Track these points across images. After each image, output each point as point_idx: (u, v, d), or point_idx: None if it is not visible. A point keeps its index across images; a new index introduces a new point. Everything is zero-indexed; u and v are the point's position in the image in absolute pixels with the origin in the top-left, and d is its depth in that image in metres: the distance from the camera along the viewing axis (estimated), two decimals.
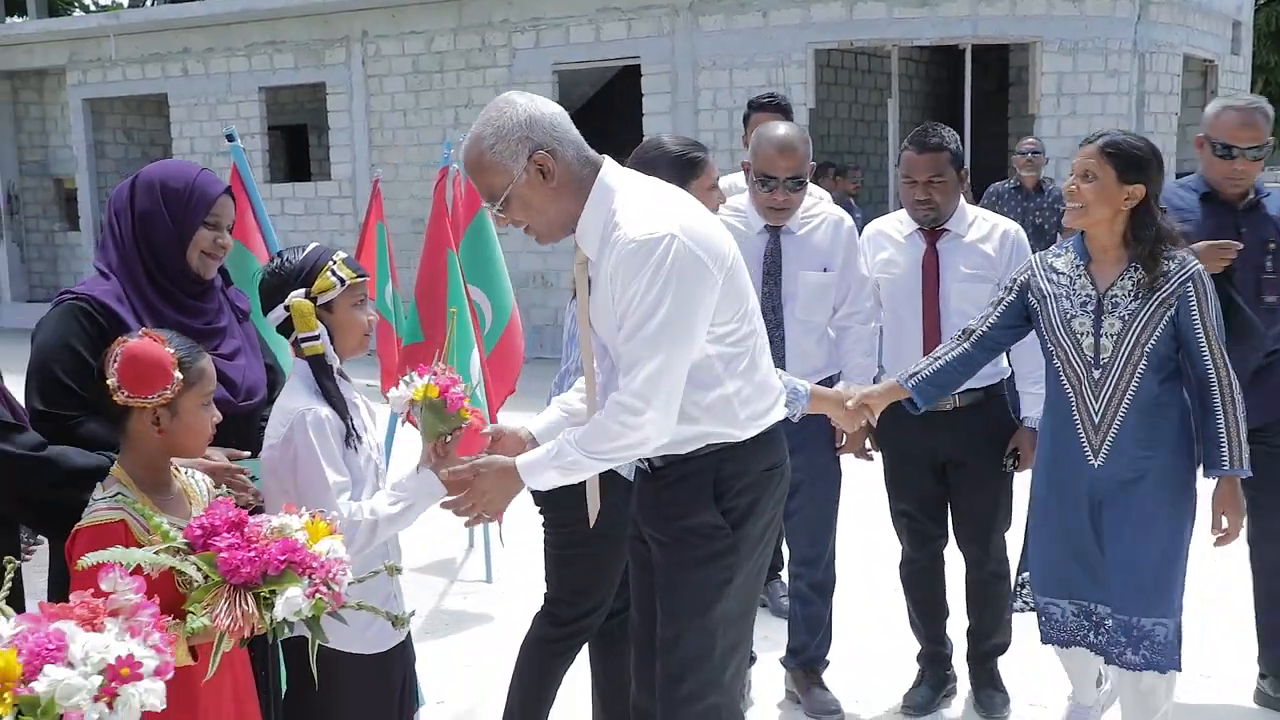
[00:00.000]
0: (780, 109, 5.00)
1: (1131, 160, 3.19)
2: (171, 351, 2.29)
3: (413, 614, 2.61)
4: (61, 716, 1.67)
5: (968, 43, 11.50)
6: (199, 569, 2.06)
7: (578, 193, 2.57)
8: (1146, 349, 3.20)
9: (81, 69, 16.04)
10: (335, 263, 2.65)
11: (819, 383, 3.83)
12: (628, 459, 2.62)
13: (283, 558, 2.08)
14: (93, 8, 26.21)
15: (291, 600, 2.06)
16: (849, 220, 3.98)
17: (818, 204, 4.00)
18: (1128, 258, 3.24)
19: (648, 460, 2.76)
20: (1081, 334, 3.27)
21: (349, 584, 2.17)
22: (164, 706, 1.78)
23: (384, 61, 13.85)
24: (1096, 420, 3.27)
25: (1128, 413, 3.24)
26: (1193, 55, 12.58)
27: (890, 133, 12.40)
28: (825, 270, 3.91)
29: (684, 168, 3.25)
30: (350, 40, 13.99)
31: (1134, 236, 3.22)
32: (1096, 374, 3.26)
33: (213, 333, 2.78)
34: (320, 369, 2.63)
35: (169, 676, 1.81)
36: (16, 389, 2.60)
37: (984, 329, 3.46)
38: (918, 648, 4.15)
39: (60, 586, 2.40)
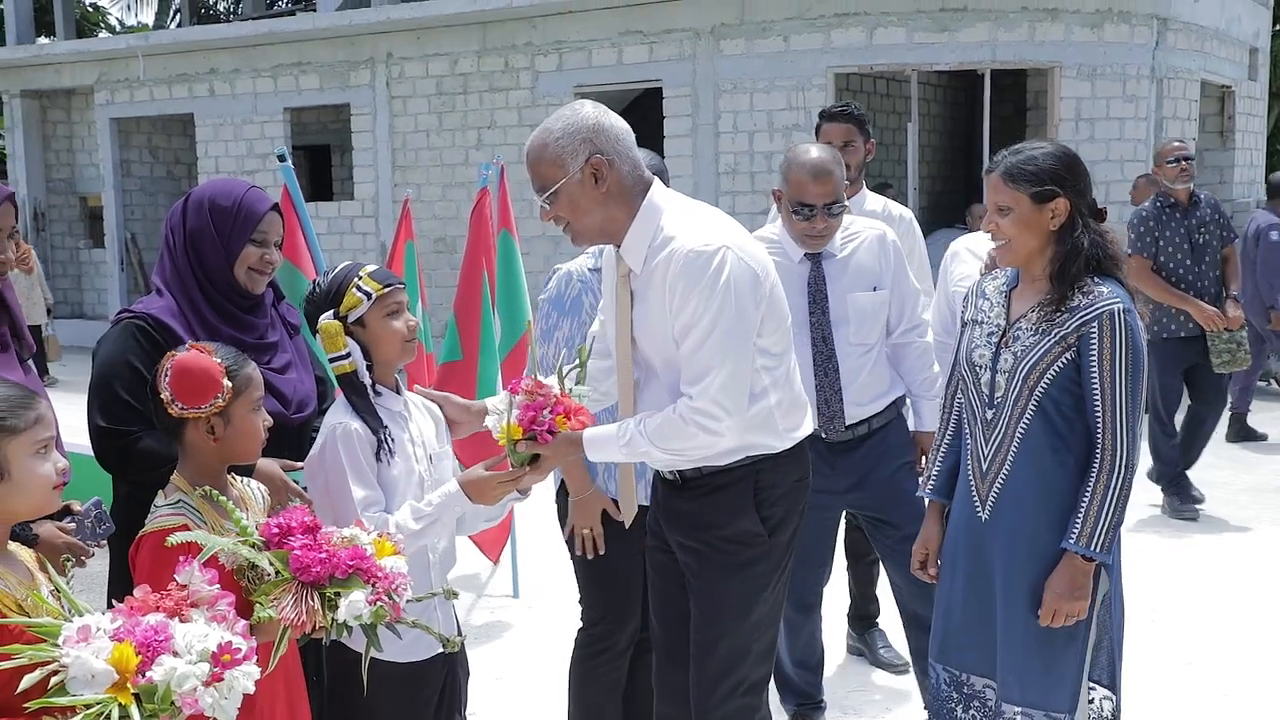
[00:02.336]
0: (854, 120, 4.59)
1: (1040, 176, 2.79)
2: (219, 361, 2.38)
3: (464, 639, 2.71)
4: (173, 702, 1.78)
5: (986, 68, 11.61)
6: (271, 564, 2.16)
7: (625, 205, 2.69)
8: (1036, 393, 2.79)
9: (109, 89, 16.26)
10: (361, 278, 2.68)
11: (885, 409, 3.80)
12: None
13: (351, 563, 2.18)
14: (119, 28, 26.51)
15: (354, 604, 2.15)
16: (891, 234, 3.82)
17: (854, 222, 3.83)
18: (1049, 286, 2.83)
19: (677, 471, 2.84)
20: (981, 367, 2.91)
21: (407, 600, 2.26)
22: (253, 690, 1.89)
23: (408, 83, 14.01)
24: (984, 467, 2.90)
25: (1014, 464, 2.83)
26: (1210, 81, 12.67)
27: (909, 156, 12.49)
28: (875, 290, 3.74)
29: None
30: (375, 62, 14.15)
31: (1053, 257, 2.82)
32: (989, 414, 2.88)
33: (265, 347, 2.87)
34: (350, 386, 2.67)
35: (254, 660, 1.92)
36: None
37: (958, 396, 3.08)
38: None
39: (122, 591, 2.50)
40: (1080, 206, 2.81)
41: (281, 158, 3.75)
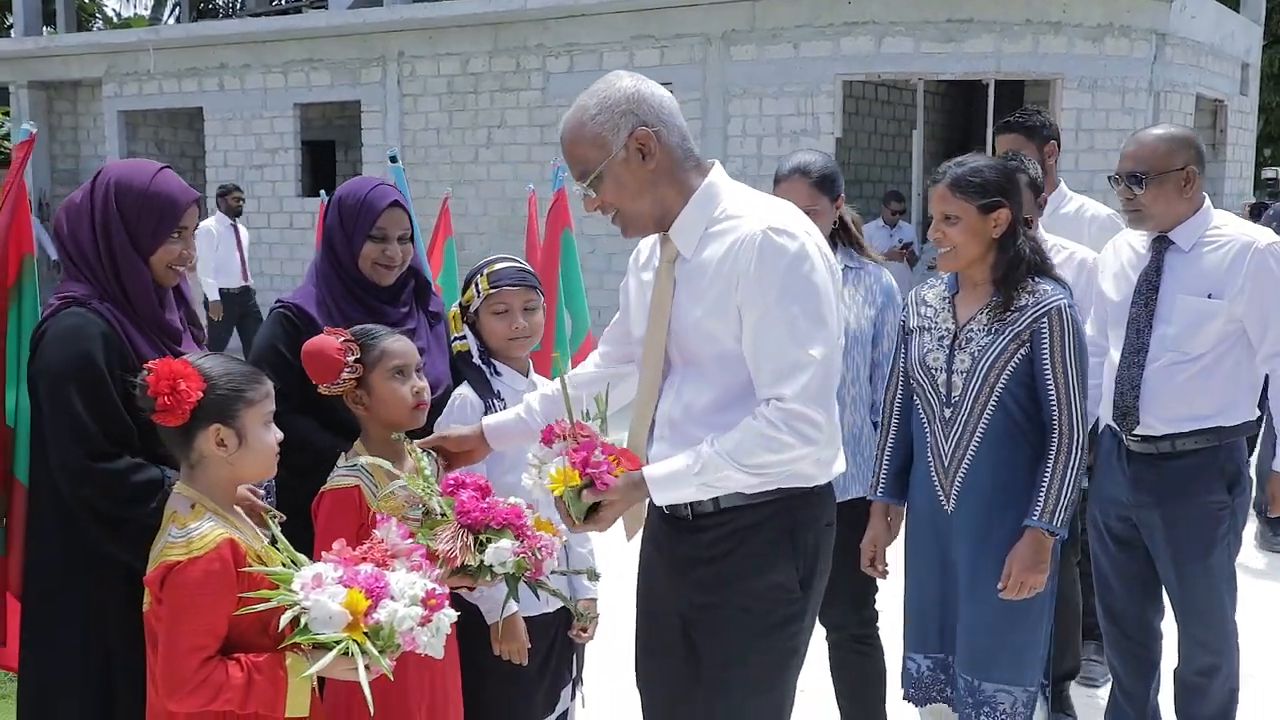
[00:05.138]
0: (1021, 129, 4.46)
1: (986, 188, 2.96)
2: (340, 341, 2.63)
3: (594, 617, 3.00)
4: (396, 641, 2.04)
5: (991, 78, 11.94)
6: (440, 506, 2.41)
7: (678, 185, 2.39)
8: (997, 389, 2.96)
9: (118, 81, 16.37)
10: (481, 275, 3.03)
11: (1200, 433, 3.39)
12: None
13: (507, 517, 2.40)
14: (116, 20, 26.56)
15: (500, 550, 2.35)
16: (1270, 244, 3.35)
17: (1228, 225, 3.42)
18: (992, 289, 3.02)
19: (688, 506, 2.44)
20: (936, 370, 3.05)
21: (551, 571, 2.46)
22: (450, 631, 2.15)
23: (419, 81, 14.22)
24: (946, 462, 3.04)
25: (976, 457, 2.99)
26: (1204, 95, 13.04)
27: (914, 162, 12.81)
28: (1210, 297, 3.33)
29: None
30: (386, 60, 14.35)
31: (995, 263, 3.00)
32: (947, 413, 3.03)
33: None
34: (463, 362, 3.04)
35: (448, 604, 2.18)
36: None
37: (898, 400, 3.24)
38: None
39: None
40: (1018, 215, 3.01)
41: (394, 159, 3.98)
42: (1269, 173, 8.00)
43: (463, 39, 13.87)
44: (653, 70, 12.92)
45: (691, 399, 2.41)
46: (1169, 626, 3.66)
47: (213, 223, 10.76)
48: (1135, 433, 3.44)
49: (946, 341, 3.04)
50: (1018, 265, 2.96)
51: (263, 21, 15.24)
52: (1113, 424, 3.52)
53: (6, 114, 18.29)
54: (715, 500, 2.38)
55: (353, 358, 2.63)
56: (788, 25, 12.13)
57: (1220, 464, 3.40)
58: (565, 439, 2.33)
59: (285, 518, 2.48)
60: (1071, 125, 11.61)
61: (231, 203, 10.84)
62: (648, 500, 2.43)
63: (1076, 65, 11.57)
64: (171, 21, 23.79)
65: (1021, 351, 2.93)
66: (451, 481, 2.44)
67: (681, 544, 2.48)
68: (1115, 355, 3.50)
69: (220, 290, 10.53)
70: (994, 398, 2.96)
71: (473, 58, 13.85)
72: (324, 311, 3.01)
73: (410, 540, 2.26)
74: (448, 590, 2.19)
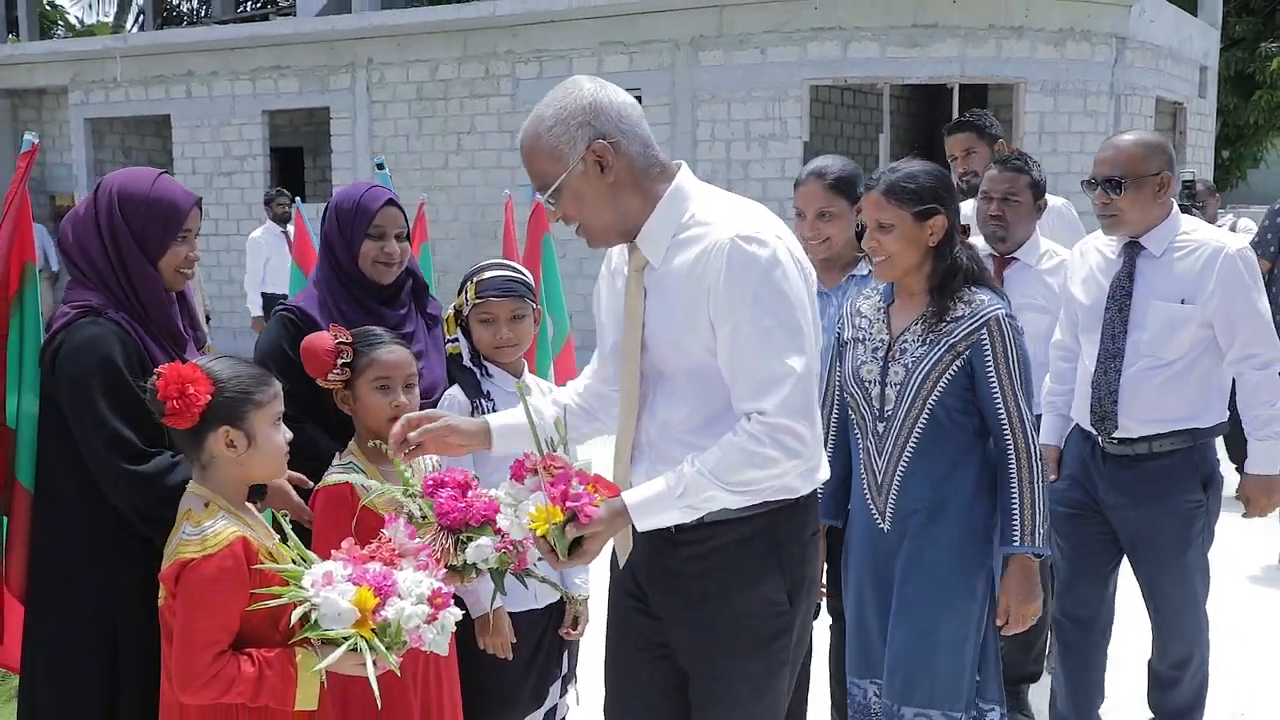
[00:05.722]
0: (972, 127, 4.78)
1: (921, 194, 2.85)
2: (335, 342, 2.72)
3: (587, 598, 3.06)
4: (403, 639, 2.11)
5: (955, 82, 12.11)
6: (420, 509, 2.43)
7: (642, 193, 2.31)
8: (930, 402, 2.84)
9: (84, 89, 16.28)
10: (470, 283, 3.10)
11: (1175, 434, 3.45)
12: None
13: (485, 514, 2.37)
14: (78, 27, 26.37)
15: (481, 548, 2.33)
16: (1239, 250, 3.42)
17: (1197, 231, 3.46)
18: (928, 299, 2.90)
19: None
20: (870, 382, 2.94)
21: (538, 559, 2.43)
22: (454, 629, 2.22)
23: (388, 88, 14.24)
24: (879, 479, 2.93)
25: (907, 473, 2.88)
26: (1164, 98, 13.27)
27: (881, 165, 12.91)
28: (1183, 302, 3.37)
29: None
30: (355, 66, 14.36)
31: (931, 272, 2.89)
32: (880, 427, 2.92)
33: (399, 336, 3.20)
34: (454, 363, 3.12)
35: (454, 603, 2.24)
36: None
37: (834, 416, 3.15)
38: None
39: None
40: (954, 223, 2.90)
41: (380, 166, 4.05)
42: (1186, 175, 8.25)
43: (432, 45, 13.91)
44: (621, 76, 13.02)
45: (668, 415, 2.36)
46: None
47: (260, 233, 10.57)
48: (1113, 436, 3.47)
49: (880, 353, 2.94)
50: (954, 274, 2.87)
51: (231, 29, 15.22)
52: (1089, 428, 3.54)
53: None
54: (700, 517, 2.31)
55: (342, 360, 2.72)
56: (755, 31, 12.25)
57: (1195, 464, 3.46)
58: (538, 473, 2.25)
59: (309, 515, 2.55)
60: (1034, 128, 11.81)
61: (277, 209, 10.54)
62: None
63: (1039, 69, 11.75)
64: (135, 29, 23.67)
65: (956, 363, 2.83)
66: (431, 482, 2.46)
67: (664, 558, 2.41)
68: (1089, 360, 3.51)
69: (275, 296, 10.16)
70: (926, 411, 2.86)
71: (442, 64, 13.89)
72: (325, 313, 3.09)
73: (416, 540, 2.32)
74: (453, 589, 2.26)
